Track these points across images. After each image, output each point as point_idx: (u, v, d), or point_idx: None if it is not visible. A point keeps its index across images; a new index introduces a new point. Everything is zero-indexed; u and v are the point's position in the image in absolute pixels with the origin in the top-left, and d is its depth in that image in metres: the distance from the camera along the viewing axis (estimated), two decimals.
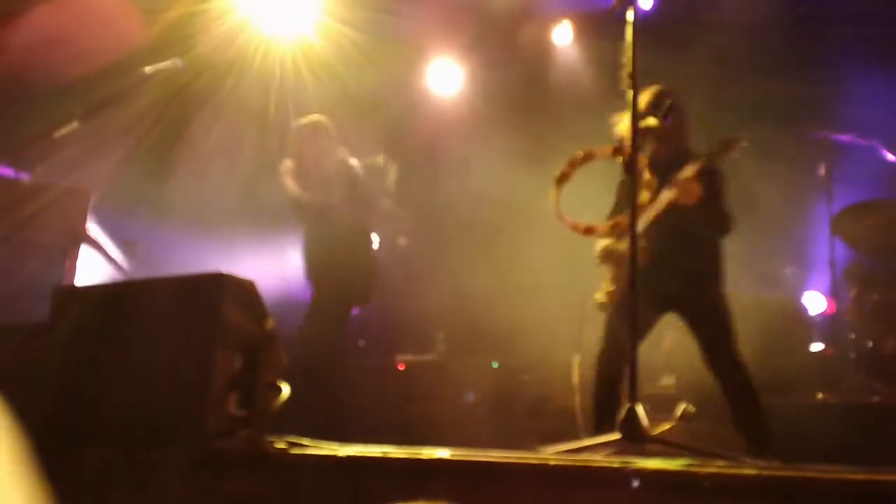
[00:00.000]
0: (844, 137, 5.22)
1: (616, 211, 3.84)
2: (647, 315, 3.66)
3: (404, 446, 2.57)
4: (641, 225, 3.52)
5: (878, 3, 5.84)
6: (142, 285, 2.87)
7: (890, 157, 5.20)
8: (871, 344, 4.74)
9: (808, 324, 5.44)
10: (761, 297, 5.51)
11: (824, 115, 5.55)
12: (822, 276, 5.65)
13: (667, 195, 3.60)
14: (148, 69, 4.63)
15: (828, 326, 5.52)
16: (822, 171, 5.32)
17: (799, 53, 5.96)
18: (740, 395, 3.49)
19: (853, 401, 4.17)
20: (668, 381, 5.02)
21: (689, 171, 3.60)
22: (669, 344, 5.28)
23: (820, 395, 4.39)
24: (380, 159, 6.23)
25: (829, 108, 5.69)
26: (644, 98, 3.65)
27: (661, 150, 3.71)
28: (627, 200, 3.08)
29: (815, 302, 5.79)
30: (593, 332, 3.82)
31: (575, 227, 3.49)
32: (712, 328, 3.62)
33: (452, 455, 2.43)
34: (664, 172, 3.62)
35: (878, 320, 4.79)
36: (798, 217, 5.98)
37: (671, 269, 3.57)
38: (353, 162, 4.95)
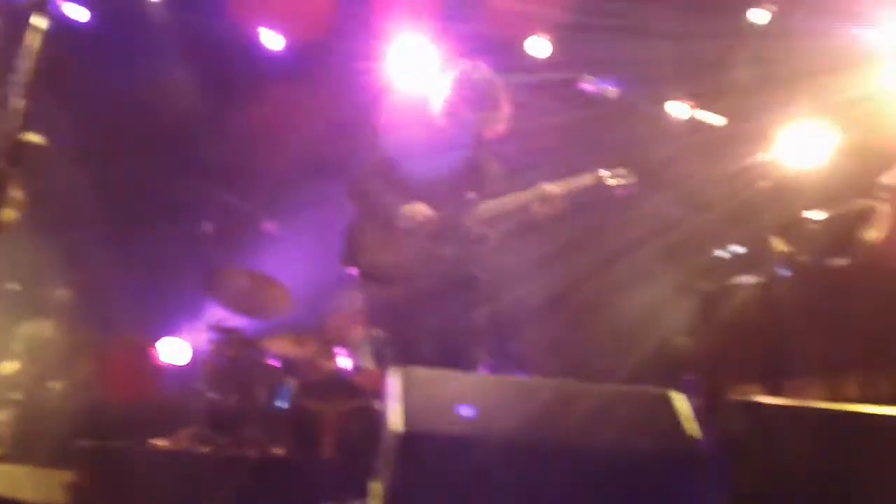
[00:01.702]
0: None
1: None
2: None
3: None
4: None
5: None
6: None
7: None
8: (214, 397, 5.02)
9: (155, 369, 5.57)
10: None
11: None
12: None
13: None
14: None
15: (183, 375, 5.73)
16: (208, 227, 5.55)
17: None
18: None
19: (186, 448, 4.33)
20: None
21: None
22: (11, 369, 4.85)
23: (156, 441, 4.46)
24: None
25: None
26: None
27: None
28: None
29: (177, 350, 5.98)
30: None
31: None
32: None
33: None
34: None
35: (227, 376, 5.13)
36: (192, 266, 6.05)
37: None
38: None
